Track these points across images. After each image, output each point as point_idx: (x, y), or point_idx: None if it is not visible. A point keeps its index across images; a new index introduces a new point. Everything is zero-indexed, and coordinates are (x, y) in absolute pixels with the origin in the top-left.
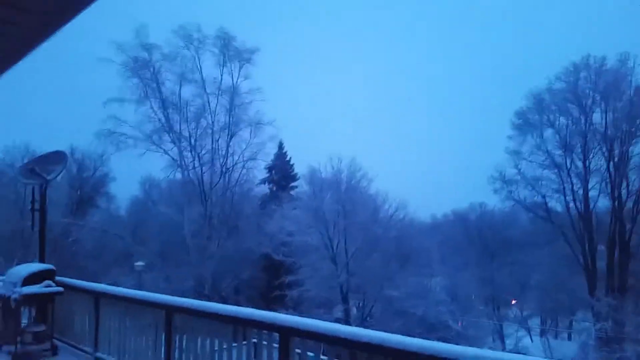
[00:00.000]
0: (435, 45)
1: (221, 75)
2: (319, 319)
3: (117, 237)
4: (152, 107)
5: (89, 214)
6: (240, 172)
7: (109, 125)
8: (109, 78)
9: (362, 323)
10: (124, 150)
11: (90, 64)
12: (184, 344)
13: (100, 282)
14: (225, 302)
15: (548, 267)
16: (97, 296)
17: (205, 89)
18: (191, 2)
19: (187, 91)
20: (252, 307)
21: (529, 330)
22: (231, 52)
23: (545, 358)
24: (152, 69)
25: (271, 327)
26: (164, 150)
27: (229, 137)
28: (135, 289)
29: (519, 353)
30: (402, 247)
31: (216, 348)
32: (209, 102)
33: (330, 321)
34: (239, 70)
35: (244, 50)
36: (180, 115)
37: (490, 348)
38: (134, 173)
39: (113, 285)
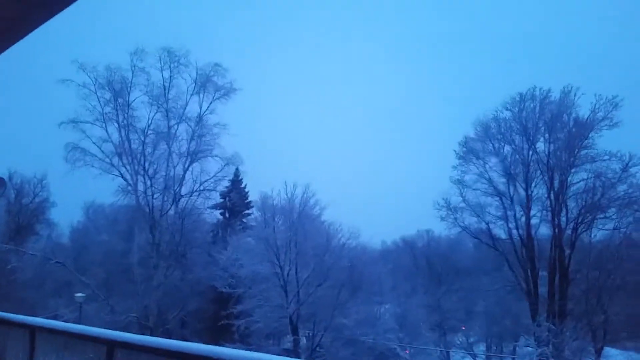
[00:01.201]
0: (386, 74)
1: (199, 104)
2: (267, 351)
3: (58, 266)
4: (108, 129)
5: (29, 241)
6: (194, 201)
7: (61, 145)
8: (60, 99)
9: (312, 354)
10: (78, 169)
11: (45, 84)
12: None
13: (38, 314)
14: (169, 335)
15: (493, 293)
16: (33, 330)
17: (168, 114)
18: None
19: (150, 115)
20: (199, 341)
21: (474, 357)
22: (208, 84)
23: None
24: (114, 90)
25: None
26: (120, 173)
27: (187, 165)
28: (75, 321)
29: None
30: (353, 275)
31: None
32: (168, 127)
33: (278, 353)
34: (210, 103)
35: (222, 85)
36: (139, 139)
37: None
38: (77, 199)
39: (53, 318)
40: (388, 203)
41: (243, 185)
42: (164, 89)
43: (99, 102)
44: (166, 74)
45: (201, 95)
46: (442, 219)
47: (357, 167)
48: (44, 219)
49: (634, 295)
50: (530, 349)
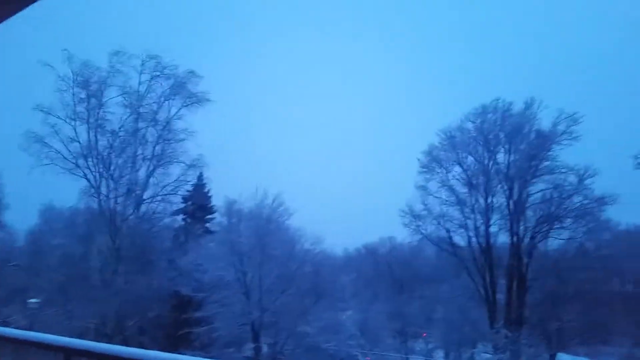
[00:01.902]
0: (351, 80)
1: (168, 109)
2: (229, 359)
3: (10, 270)
4: (77, 128)
5: None
6: (157, 206)
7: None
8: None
9: None
10: (39, 167)
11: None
12: None
13: None
14: (127, 342)
15: (452, 300)
16: None
17: (139, 118)
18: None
19: (122, 118)
20: (158, 348)
21: None
22: (181, 91)
23: None
24: (88, 88)
25: None
26: (84, 174)
27: (151, 169)
28: (29, 328)
29: None
30: (316, 282)
31: None
32: (137, 130)
33: None
34: (179, 109)
35: (196, 93)
36: (107, 141)
37: None
38: (32, 202)
39: (3, 324)
40: (351, 210)
41: (206, 190)
42: (139, 93)
43: (73, 98)
44: (144, 77)
45: (172, 101)
46: (405, 225)
47: (320, 174)
48: None
49: (587, 303)
50: (488, 355)
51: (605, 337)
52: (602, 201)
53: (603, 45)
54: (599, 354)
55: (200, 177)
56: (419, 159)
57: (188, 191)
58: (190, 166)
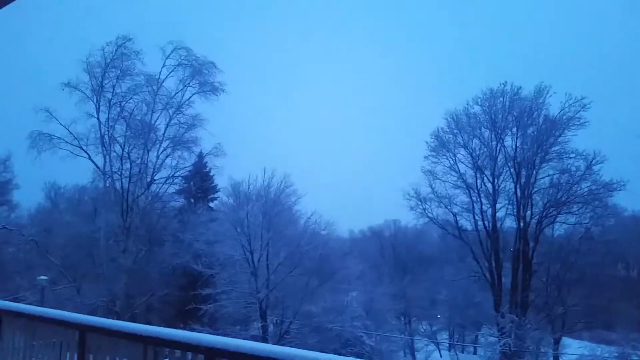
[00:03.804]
0: (360, 67)
1: (182, 94)
2: (235, 337)
3: (19, 246)
4: (93, 108)
5: None
6: (167, 188)
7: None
8: (28, 80)
9: (280, 340)
10: (49, 149)
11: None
12: None
13: None
14: (135, 319)
15: (457, 283)
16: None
17: (154, 102)
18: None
19: (136, 99)
20: (166, 325)
21: (437, 345)
22: (197, 76)
23: None
24: (104, 71)
25: (196, 348)
26: (89, 155)
27: (163, 152)
28: (38, 305)
29: None
30: (323, 263)
31: None
32: (151, 114)
33: (246, 338)
34: (192, 95)
35: (213, 82)
36: (120, 123)
37: None
38: (41, 181)
39: (14, 300)
40: (357, 193)
41: (207, 170)
42: (158, 77)
43: (91, 79)
44: (164, 62)
45: (189, 89)
46: (412, 208)
47: (327, 157)
48: (5, 200)
49: (591, 288)
50: (493, 339)
51: (609, 322)
52: (609, 187)
53: (613, 30)
54: (602, 339)
55: (200, 156)
56: (427, 142)
57: (188, 171)
58: (208, 154)
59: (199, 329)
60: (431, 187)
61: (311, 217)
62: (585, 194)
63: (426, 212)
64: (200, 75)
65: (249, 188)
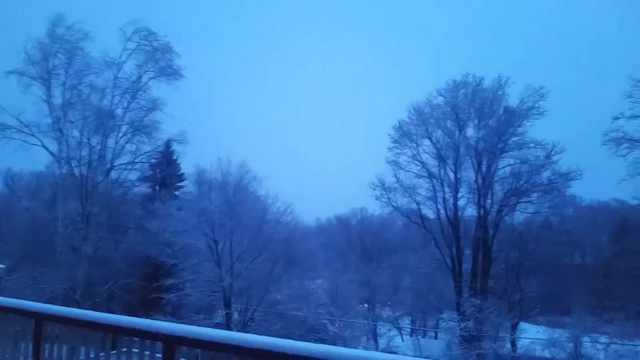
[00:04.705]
0: (328, 57)
1: (141, 78)
2: (198, 325)
3: None
4: (45, 93)
5: None
6: (128, 174)
7: None
8: None
9: (244, 328)
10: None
11: None
12: (54, 354)
13: None
14: (96, 308)
15: (420, 270)
16: None
17: (114, 86)
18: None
19: (93, 83)
20: (128, 314)
21: (400, 330)
22: (157, 59)
23: (412, 357)
24: (65, 51)
25: (155, 336)
26: (42, 143)
27: (124, 137)
28: None
29: (391, 352)
30: (288, 250)
31: (92, 356)
32: (111, 99)
33: (211, 327)
34: (151, 79)
35: (172, 65)
36: (77, 107)
37: (364, 348)
38: None
39: None
40: (324, 182)
41: (175, 158)
42: (117, 61)
43: (47, 61)
44: (122, 45)
45: (148, 73)
46: (377, 198)
47: (296, 146)
48: None
49: (548, 275)
50: (453, 323)
51: (564, 307)
52: (567, 177)
53: (572, 20)
54: (558, 324)
55: (168, 146)
56: (390, 135)
57: (156, 159)
58: (170, 140)
59: (162, 318)
60: (396, 177)
61: (275, 204)
62: (544, 183)
63: (391, 201)
64: (160, 58)
65: (211, 176)
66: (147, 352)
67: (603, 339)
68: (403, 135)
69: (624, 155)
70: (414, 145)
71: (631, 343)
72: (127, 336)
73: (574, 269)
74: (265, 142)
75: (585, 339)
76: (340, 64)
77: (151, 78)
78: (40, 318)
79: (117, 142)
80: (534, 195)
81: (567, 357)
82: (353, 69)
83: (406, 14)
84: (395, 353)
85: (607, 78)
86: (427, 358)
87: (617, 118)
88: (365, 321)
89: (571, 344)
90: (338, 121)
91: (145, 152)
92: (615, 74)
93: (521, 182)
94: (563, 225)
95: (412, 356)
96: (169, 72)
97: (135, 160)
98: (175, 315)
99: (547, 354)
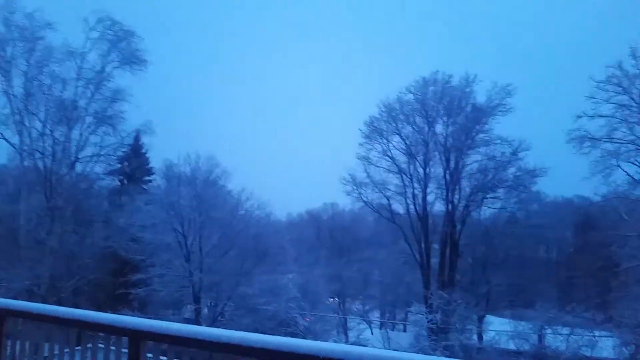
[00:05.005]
0: (296, 50)
1: (105, 67)
2: (167, 320)
3: None
4: (5, 83)
5: None
6: (93, 166)
7: None
8: None
9: (214, 323)
10: None
11: None
12: (16, 351)
13: None
14: (61, 303)
15: (390, 264)
16: None
17: (78, 76)
18: None
19: (54, 72)
20: (95, 309)
21: (369, 323)
22: (121, 47)
23: (382, 349)
24: (25, 40)
25: (121, 331)
26: (1, 134)
27: (89, 129)
28: None
29: (360, 345)
30: (259, 245)
31: (56, 352)
32: (75, 89)
33: (180, 322)
34: (115, 68)
35: (136, 53)
36: (41, 97)
37: (334, 341)
38: None
39: None
40: (296, 177)
41: (144, 151)
42: (79, 50)
43: (4, 50)
44: (84, 34)
45: (111, 61)
46: (348, 193)
47: (267, 142)
48: None
49: (513, 269)
50: (421, 316)
51: (529, 300)
52: (533, 173)
53: (539, 19)
54: (523, 316)
55: (137, 138)
56: (360, 130)
57: (124, 151)
58: (135, 131)
59: (130, 313)
60: (366, 173)
61: (246, 199)
62: (510, 179)
63: (361, 196)
64: (125, 47)
65: (180, 170)
66: (112, 348)
67: (565, 330)
68: (374, 131)
69: (586, 154)
70: (385, 141)
71: (590, 334)
72: (92, 331)
73: (538, 263)
74: (237, 137)
75: (548, 330)
76: (313, 58)
77: (115, 67)
78: (2, 313)
79: (81, 134)
80: (501, 191)
81: (531, 348)
82: (326, 63)
83: (377, 10)
84: (364, 346)
85: (573, 77)
86: (395, 350)
87: (579, 117)
88: (336, 315)
89: (535, 336)
90: (310, 116)
91: (111, 144)
92: (580, 73)
93: (488, 178)
94: (528, 220)
95: (381, 349)
96: (133, 60)
97: (101, 153)
98: (143, 310)
99: (512, 345)
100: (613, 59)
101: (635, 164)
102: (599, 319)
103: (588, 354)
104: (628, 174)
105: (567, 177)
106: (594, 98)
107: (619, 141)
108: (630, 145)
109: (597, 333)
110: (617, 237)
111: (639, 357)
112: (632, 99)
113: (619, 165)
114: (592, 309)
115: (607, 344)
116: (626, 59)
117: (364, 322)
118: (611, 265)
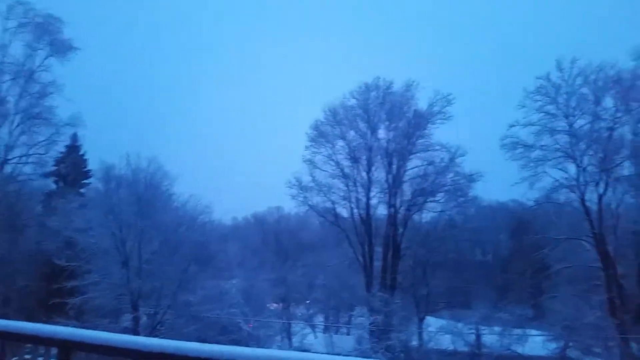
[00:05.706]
0: (244, 52)
1: (31, 59)
2: (104, 330)
3: None
4: None
5: None
6: (22, 167)
7: None
8: None
9: (153, 331)
10: None
11: None
12: None
13: None
14: None
15: (334, 268)
16: None
17: (1, 70)
18: None
19: None
20: (26, 319)
21: (313, 328)
22: (44, 35)
23: (322, 354)
24: None
25: (49, 341)
26: None
27: (17, 126)
28: None
29: (304, 350)
30: (202, 250)
31: None
32: (1, 86)
33: (117, 331)
34: (44, 59)
35: (64, 41)
36: None
37: (278, 347)
38: None
39: None
40: (241, 180)
41: (81, 153)
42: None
43: None
44: (6, 24)
45: (37, 51)
46: (293, 197)
47: (213, 145)
48: None
49: (452, 271)
50: (363, 318)
51: (466, 301)
52: (470, 178)
53: (477, 27)
54: (461, 317)
55: (74, 138)
56: (307, 133)
57: (61, 152)
58: (65, 125)
59: (64, 322)
60: (312, 176)
61: (189, 203)
62: (449, 184)
63: (307, 200)
64: (46, 33)
65: (119, 172)
66: (40, 359)
67: (499, 328)
68: (319, 135)
69: (518, 160)
70: (330, 145)
71: (523, 332)
72: (19, 342)
73: (475, 265)
74: (181, 140)
75: (484, 329)
76: (261, 61)
77: (45, 59)
78: None
79: (10, 133)
80: (440, 195)
81: (468, 347)
82: (277, 65)
83: (325, 13)
84: (308, 351)
85: (509, 85)
86: (337, 355)
87: (512, 126)
88: (280, 320)
89: (472, 335)
90: (256, 119)
91: (41, 142)
92: (516, 81)
93: (428, 183)
94: (466, 224)
95: (324, 353)
96: (60, 47)
97: (30, 153)
98: (79, 319)
99: (450, 344)
100: (543, 70)
101: (561, 170)
102: (531, 317)
103: (520, 350)
104: (556, 179)
105: (503, 182)
106: (525, 107)
107: (546, 148)
108: (557, 152)
109: (530, 331)
110: (548, 240)
111: (567, 352)
112: (559, 108)
113: (545, 172)
114: (526, 309)
115: (538, 340)
116: (553, 70)
117: (308, 327)
118: (543, 267)
